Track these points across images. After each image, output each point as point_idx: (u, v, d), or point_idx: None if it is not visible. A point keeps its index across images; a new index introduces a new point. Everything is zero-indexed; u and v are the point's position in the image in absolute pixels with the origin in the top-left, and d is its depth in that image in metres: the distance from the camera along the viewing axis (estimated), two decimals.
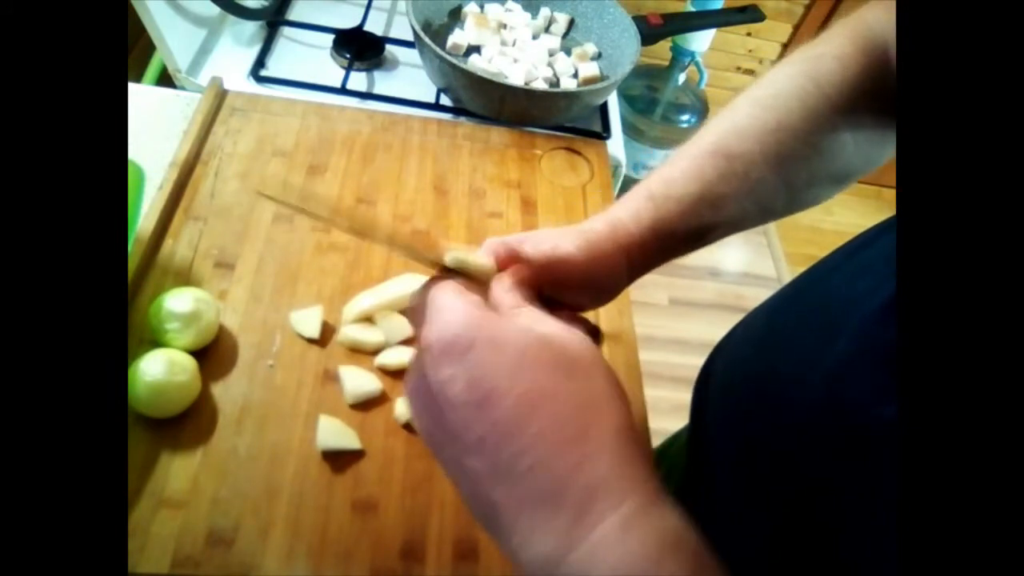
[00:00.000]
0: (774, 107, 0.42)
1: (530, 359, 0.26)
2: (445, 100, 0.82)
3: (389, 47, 0.87)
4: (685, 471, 0.53)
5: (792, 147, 0.41)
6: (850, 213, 2.19)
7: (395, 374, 0.56)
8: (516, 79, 0.79)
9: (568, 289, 0.39)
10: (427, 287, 0.31)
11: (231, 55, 0.83)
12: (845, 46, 0.42)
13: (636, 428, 0.27)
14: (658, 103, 1.79)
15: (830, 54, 0.42)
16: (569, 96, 0.78)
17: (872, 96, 0.41)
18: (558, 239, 0.38)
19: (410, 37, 0.80)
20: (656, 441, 0.59)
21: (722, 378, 0.48)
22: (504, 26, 0.88)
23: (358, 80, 0.84)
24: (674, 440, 0.67)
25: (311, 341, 0.56)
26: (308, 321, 0.57)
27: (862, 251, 0.42)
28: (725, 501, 0.45)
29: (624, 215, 0.40)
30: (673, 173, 0.41)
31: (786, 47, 1.91)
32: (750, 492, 0.42)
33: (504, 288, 0.34)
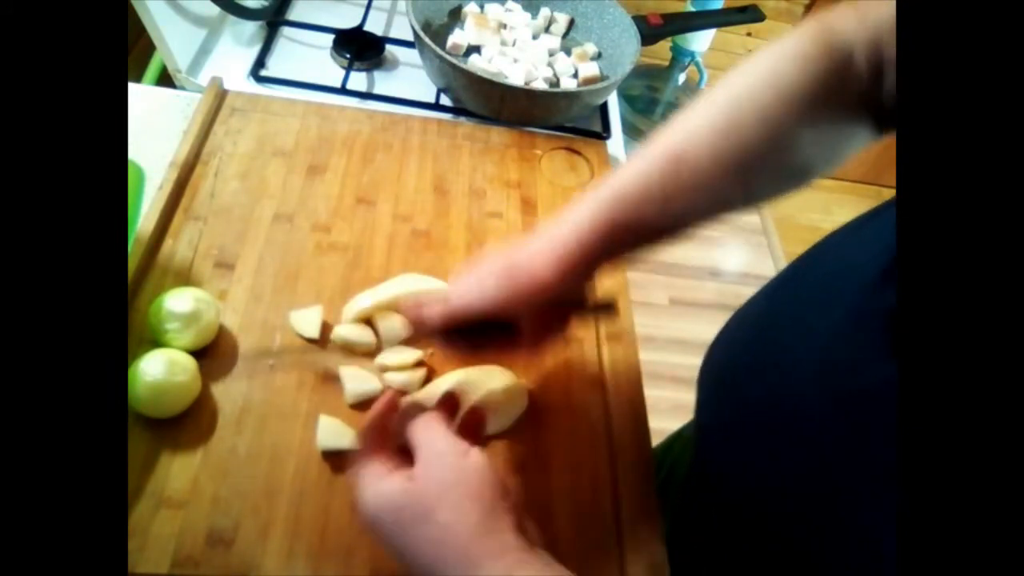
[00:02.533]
0: (728, 108, 0.42)
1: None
2: (445, 100, 0.82)
3: (389, 47, 0.87)
4: (692, 464, 0.53)
5: (746, 148, 0.42)
6: (850, 213, 2.18)
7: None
8: (516, 79, 0.79)
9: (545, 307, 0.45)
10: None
11: (231, 55, 0.83)
12: (807, 46, 0.42)
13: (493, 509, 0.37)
14: (658, 103, 1.79)
15: (791, 54, 0.42)
16: (569, 96, 0.78)
17: (830, 97, 0.41)
18: (536, 271, 0.43)
19: (410, 37, 0.80)
20: (656, 441, 0.59)
21: (721, 360, 0.49)
22: (504, 26, 0.88)
23: (358, 80, 0.84)
24: (676, 437, 0.67)
25: (311, 341, 0.56)
26: (308, 321, 0.57)
27: (862, 228, 0.43)
28: (729, 488, 0.46)
29: (584, 222, 0.43)
30: (626, 177, 0.43)
31: None
32: (751, 474, 0.43)
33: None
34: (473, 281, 0.44)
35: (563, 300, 0.46)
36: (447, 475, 0.38)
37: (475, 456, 0.39)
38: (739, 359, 0.47)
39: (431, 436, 0.40)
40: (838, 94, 0.41)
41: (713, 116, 0.42)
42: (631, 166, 0.43)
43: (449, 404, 0.46)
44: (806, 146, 0.43)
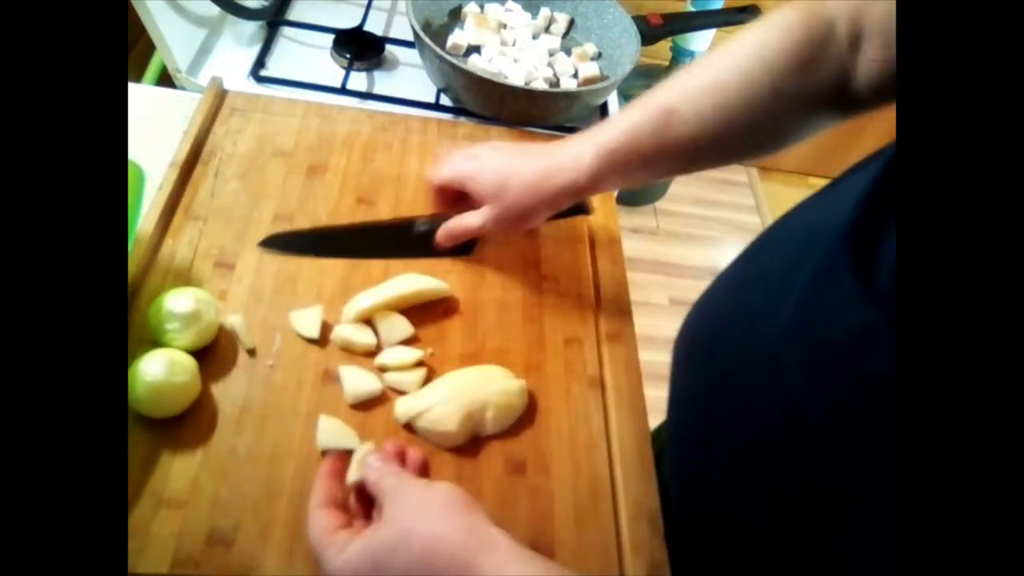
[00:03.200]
0: (715, 68, 0.47)
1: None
2: (445, 100, 0.82)
3: (389, 47, 0.87)
4: (667, 439, 0.54)
5: (725, 106, 0.46)
6: None
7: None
8: (516, 79, 0.79)
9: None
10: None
11: (231, 55, 0.83)
12: (793, 16, 0.45)
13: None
14: None
15: (779, 22, 0.45)
16: (569, 96, 0.78)
17: (808, 64, 0.44)
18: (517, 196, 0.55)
19: (410, 37, 0.80)
20: None
21: (693, 328, 0.52)
22: (504, 26, 0.88)
23: (358, 80, 0.84)
24: (659, 431, 0.67)
25: (311, 341, 0.56)
26: (308, 321, 0.57)
27: (826, 193, 0.45)
28: (695, 446, 0.48)
29: (573, 158, 0.52)
30: (618, 124, 0.51)
31: None
32: (718, 433, 0.45)
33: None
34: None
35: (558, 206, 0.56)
36: (419, 502, 0.39)
37: (439, 484, 0.41)
38: (711, 325, 0.49)
39: (394, 479, 0.42)
40: (816, 62, 0.44)
41: (702, 75, 0.47)
42: (626, 116, 0.50)
43: (397, 454, 0.47)
44: (779, 111, 0.46)
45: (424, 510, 0.39)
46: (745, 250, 0.51)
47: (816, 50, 0.44)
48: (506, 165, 0.55)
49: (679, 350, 0.53)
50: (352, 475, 0.45)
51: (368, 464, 0.44)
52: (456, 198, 0.60)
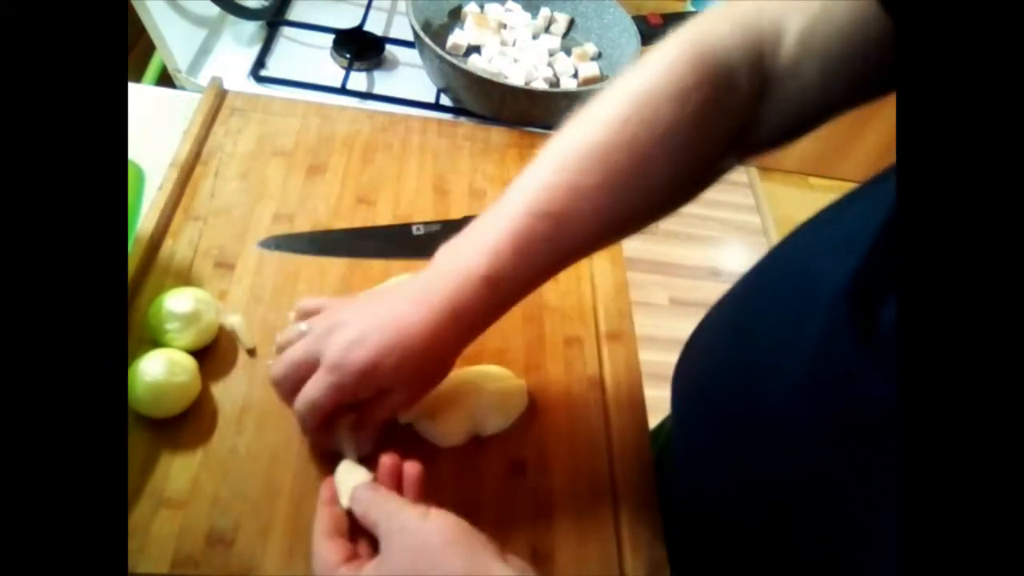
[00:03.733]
0: (604, 158, 0.40)
1: None
2: (445, 100, 0.82)
3: (389, 47, 0.87)
4: (673, 478, 0.52)
5: (624, 202, 0.41)
6: None
7: None
8: (516, 79, 0.79)
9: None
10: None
11: (231, 55, 0.83)
12: (685, 77, 0.39)
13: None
14: None
15: (665, 94, 0.39)
16: (569, 96, 0.78)
17: (704, 127, 0.39)
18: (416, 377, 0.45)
19: (410, 37, 0.80)
20: None
21: (696, 375, 0.48)
22: (504, 26, 0.88)
23: (358, 80, 0.84)
24: (659, 429, 0.67)
25: None
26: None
27: (825, 228, 0.41)
28: (711, 493, 0.45)
29: (465, 304, 0.43)
30: (504, 254, 0.41)
31: None
32: (735, 484, 0.42)
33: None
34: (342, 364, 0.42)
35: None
36: (414, 541, 0.38)
37: (435, 515, 0.39)
38: (717, 375, 0.45)
39: (386, 511, 0.40)
40: (714, 119, 0.39)
41: (589, 169, 0.41)
42: (502, 235, 0.41)
43: (391, 472, 0.45)
44: (680, 189, 0.43)
45: (423, 551, 0.37)
46: (737, 288, 0.47)
47: (714, 106, 0.39)
48: (393, 339, 0.42)
49: (681, 393, 0.50)
50: (343, 501, 0.43)
51: (355, 498, 0.42)
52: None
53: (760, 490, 0.40)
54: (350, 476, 0.45)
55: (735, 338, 0.45)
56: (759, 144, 0.43)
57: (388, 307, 0.43)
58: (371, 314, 0.43)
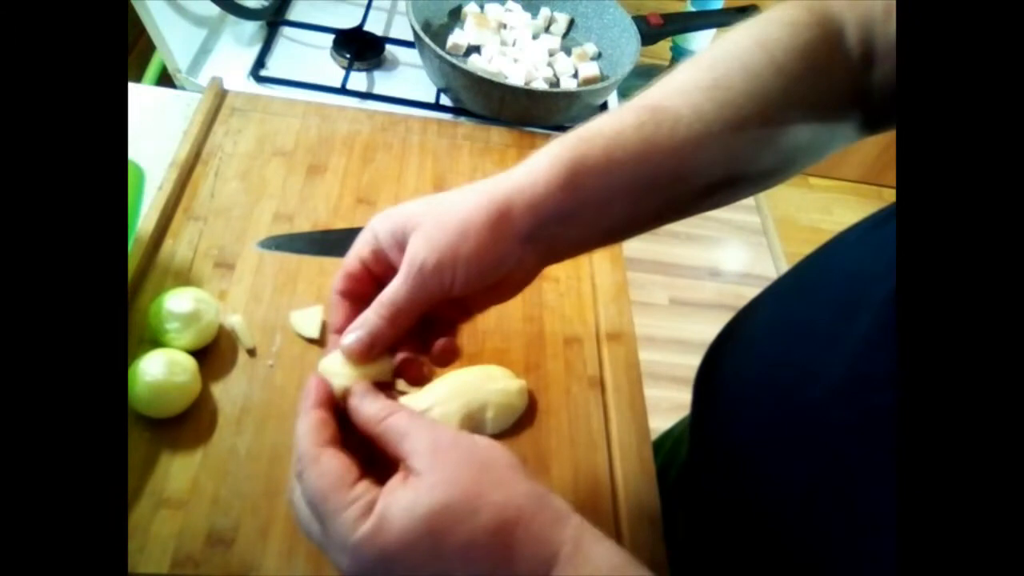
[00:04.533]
0: (712, 66, 0.38)
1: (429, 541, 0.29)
2: (445, 100, 0.82)
3: (389, 47, 0.87)
4: (686, 466, 0.52)
5: (730, 103, 0.37)
6: (850, 213, 2.19)
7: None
8: (516, 79, 0.79)
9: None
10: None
11: (231, 55, 0.83)
12: (800, 14, 0.39)
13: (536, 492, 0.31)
14: None
15: (782, 19, 0.39)
16: (569, 96, 0.78)
17: (819, 69, 0.38)
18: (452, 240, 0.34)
19: (410, 37, 0.80)
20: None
21: (729, 373, 0.47)
22: (504, 26, 0.88)
23: (358, 80, 0.84)
24: (667, 436, 0.67)
25: (311, 341, 0.56)
26: (308, 321, 0.57)
27: (878, 230, 0.40)
28: (733, 489, 0.44)
29: (539, 167, 0.35)
30: (585, 128, 0.37)
31: None
32: (759, 482, 0.41)
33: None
34: (405, 273, 0.35)
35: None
36: (475, 457, 0.31)
37: (484, 439, 0.32)
38: (752, 371, 0.43)
39: (423, 428, 0.32)
40: (828, 68, 0.38)
41: (696, 75, 0.38)
42: (596, 121, 0.37)
43: (410, 368, 0.38)
44: (793, 122, 0.39)
45: (487, 470, 0.30)
46: (776, 287, 0.46)
47: (827, 54, 0.38)
48: (436, 207, 0.36)
49: (712, 395, 0.47)
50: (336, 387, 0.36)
51: (359, 405, 0.34)
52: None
53: (789, 490, 0.38)
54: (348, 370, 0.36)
55: (775, 337, 0.43)
56: (876, 118, 0.41)
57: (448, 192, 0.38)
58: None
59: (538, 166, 0.35)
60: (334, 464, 0.31)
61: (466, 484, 0.30)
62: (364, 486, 0.30)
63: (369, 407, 0.34)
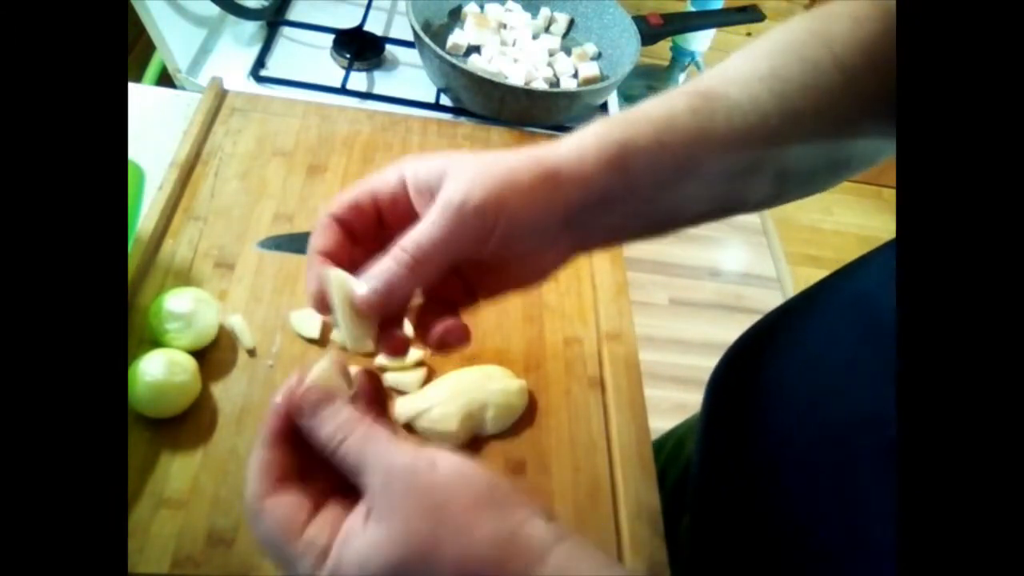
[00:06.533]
0: (769, 54, 0.36)
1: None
2: (445, 100, 0.82)
3: (389, 47, 0.87)
4: (698, 469, 0.52)
5: (785, 94, 0.35)
6: (850, 213, 2.19)
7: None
8: (516, 79, 0.79)
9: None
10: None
11: (231, 55, 0.83)
12: (863, 7, 0.36)
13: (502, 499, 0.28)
14: None
15: (844, 12, 0.36)
16: (569, 96, 0.78)
17: (881, 64, 0.35)
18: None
19: (410, 37, 0.80)
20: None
21: (749, 381, 0.45)
22: (504, 26, 0.88)
23: (358, 80, 0.84)
24: (669, 437, 0.67)
25: (311, 341, 0.56)
26: (308, 321, 0.57)
27: (872, 255, 0.40)
28: (747, 498, 0.43)
29: (587, 139, 0.33)
30: (634, 112, 0.34)
31: None
32: (777, 495, 0.40)
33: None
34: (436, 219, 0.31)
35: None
36: (432, 496, 0.28)
37: (446, 461, 0.29)
38: (773, 384, 0.42)
39: (378, 457, 0.29)
40: (891, 66, 0.34)
41: (753, 64, 0.36)
42: (644, 106, 0.35)
43: (370, 392, 0.35)
44: (851, 115, 0.36)
45: (445, 515, 0.27)
46: (796, 303, 0.45)
47: (888, 42, 0.35)
48: (479, 158, 0.33)
49: (728, 415, 0.46)
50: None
51: (322, 417, 0.31)
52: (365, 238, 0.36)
53: (806, 507, 0.38)
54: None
55: (800, 356, 0.42)
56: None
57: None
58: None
59: (584, 143, 0.33)
60: (280, 512, 0.29)
61: (422, 536, 0.27)
62: (316, 528, 0.28)
63: (322, 430, 0.31)
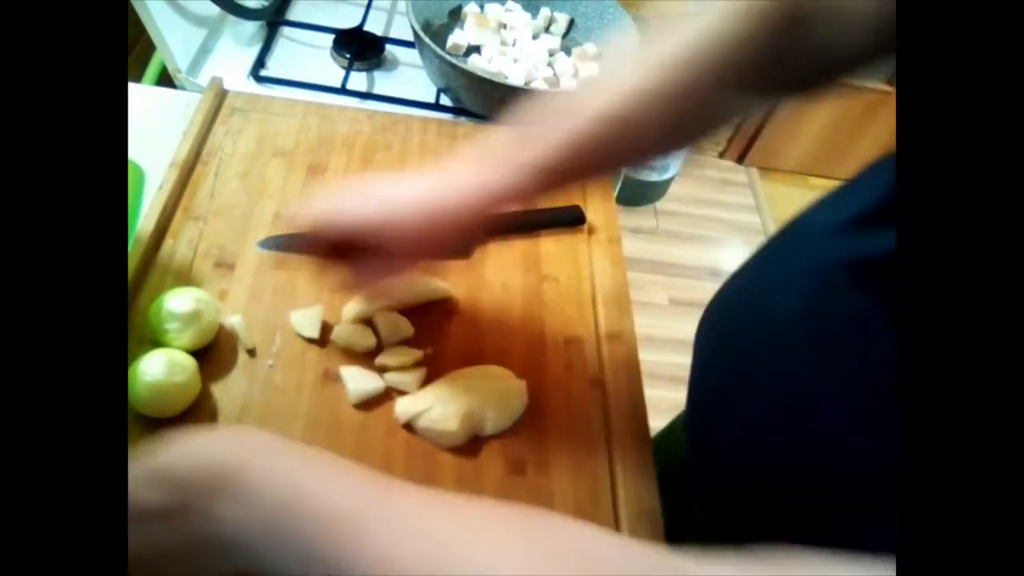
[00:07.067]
0: (666, 70, 0.41)
1: None
2: (445, 100, 0.82)
3: (389, 47, 0.87)
4: (689, 419, 0.54)
5: (683, 112, 0.42)
6: None
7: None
8: (516, 79, 0.79)
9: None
10: None
11: (231, 55, 0.83)
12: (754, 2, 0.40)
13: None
14: None
15: (740, 11, 0.40)
16: None
17: (774, 58, 0.40)
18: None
19: (410, 37, 0.80)
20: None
21: (718, 310, 0.52)
22: (504, 26, 0.88)
23: (358, 80, 0.84)
24: (669, 430, 0.68)
25: (311, 341, 0.56)
26: (308, 321, 0.57)
27: (838, 193, 0.46)
28: (714, 418, 0.49)
29: (498, 186, 0.44)
30: (554, 138, 0.43)
31: None
32: (736, 408, 0.45)
33: None
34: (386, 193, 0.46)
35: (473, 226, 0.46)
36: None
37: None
38: (733, 309, 0.49)
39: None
40: (779, 54, 0.40)
41: (653, 78, 0.41)
42: (562, 132, 0.43)
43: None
44: (738, 104, 0.44)
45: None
46: (762, 247, 0.52)
47: (782, 36, 0.39)
48: (421, 186, 0.45)
49: (702, 332, 0.53)
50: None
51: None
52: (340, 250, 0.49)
53: (760, 419, 0.43)
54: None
55: (751, 281, 0.49)
56: (786, 85, 0.43)
57: (441, 169, 0.46)
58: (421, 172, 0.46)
59: (525, 170, 0.43)
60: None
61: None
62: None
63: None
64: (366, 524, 0.29)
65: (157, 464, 0.34)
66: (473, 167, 0.45)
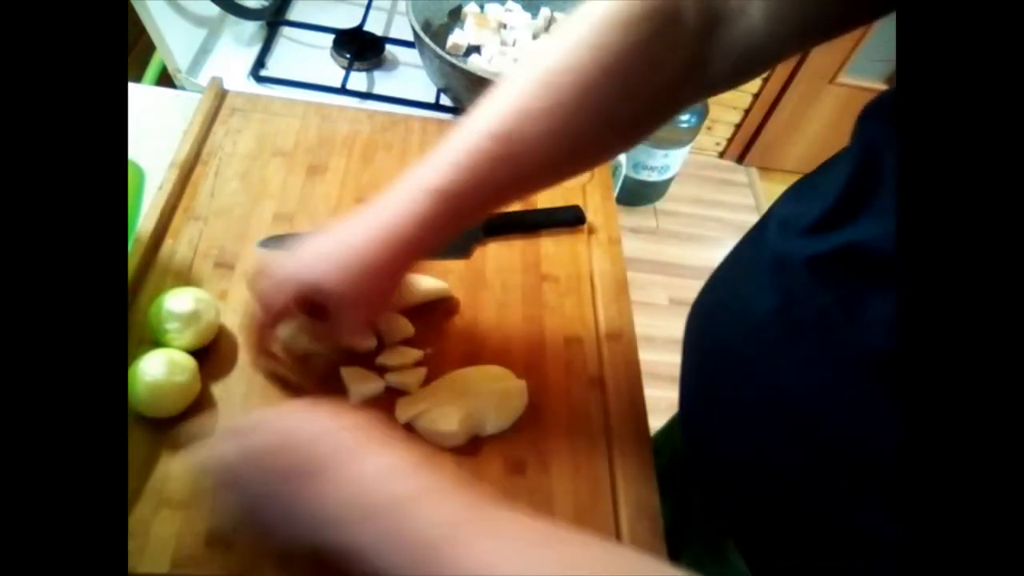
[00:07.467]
0: (547, 86, 0.42)
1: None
2: (445, 100, 0.82)
3: (389, 47, 0.87)
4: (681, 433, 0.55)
5: (566, 123, 0.42)
6: None
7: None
8: None
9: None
10: None
11: (231, 55, 0.83)
12: (634, 7, 0.40)
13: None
14: None
15: (615, 21, 0.41)
16: None
17: (656, 63, 0.41)
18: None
19: (410, 37, 0.80)
20: None
21: (702, 305, 0.53)
22: (504, 26, 0.88)
23: (358, 80, 0.84)
24: (669, 429, 0.68)
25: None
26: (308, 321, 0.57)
27: (805, 183, 0.47)
28: (705, 413, 0.49)
29: (408, 216, 0.45)
30: (456, 169, 0.44)
31: None
32: (723, 402, 0.46)
33: None
34: (305, 259, 0.47)
35: (391, 283, 0.48)
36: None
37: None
38: (716, 305, 0.50)
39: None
40: (663, 56, 0.41)
41: (535, 94, 0.42)
42: (454, 152, 0.44)
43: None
44: (631, 114, 0.44)
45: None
46: (737, 244, 0.53)
47: (660, 39, 0.40)
48: (341, 252, 0.46)
49: (690, 327, 0.54)
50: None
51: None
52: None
53: (745, 411, 0.44)
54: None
55: (731, 278, 0.50)
56: (712, 82, 0.43)
57: (343, 225, 0.47)
58: (327, 234, 0.47)
59: (414, 203, 0.45)
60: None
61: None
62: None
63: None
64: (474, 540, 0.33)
65: (287, 430, 0.38)
66: (384, 205, 0.46)
